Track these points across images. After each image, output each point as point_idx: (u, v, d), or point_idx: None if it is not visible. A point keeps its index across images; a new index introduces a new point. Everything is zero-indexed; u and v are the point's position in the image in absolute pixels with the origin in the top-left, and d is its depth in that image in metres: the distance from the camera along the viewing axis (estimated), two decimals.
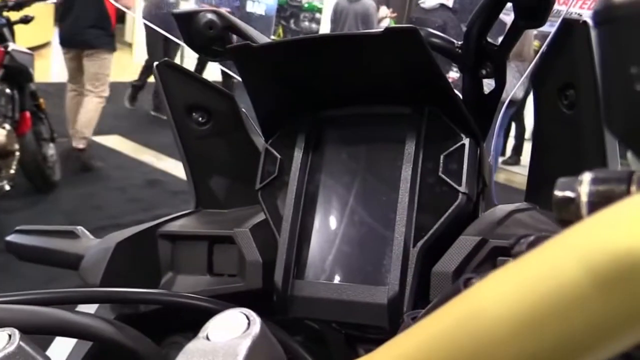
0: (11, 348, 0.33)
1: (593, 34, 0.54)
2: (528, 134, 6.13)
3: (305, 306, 0.57)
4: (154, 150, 5.30)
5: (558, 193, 0.29)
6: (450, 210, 0.54)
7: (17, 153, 3.64)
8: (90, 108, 4.50)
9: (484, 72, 0.66)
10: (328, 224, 0.59)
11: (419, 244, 0.54)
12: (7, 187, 3.45)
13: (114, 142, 5.49)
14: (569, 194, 0.29)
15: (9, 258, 0.76)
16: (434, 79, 0.54)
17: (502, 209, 0.60)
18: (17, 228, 0.75)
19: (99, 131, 5.57)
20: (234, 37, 0.73)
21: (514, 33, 0.64)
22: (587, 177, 0.29)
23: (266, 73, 0.60)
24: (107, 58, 4.52)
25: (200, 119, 0.72)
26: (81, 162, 4.51)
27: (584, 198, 0.28)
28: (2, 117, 3.54)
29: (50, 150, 4.16)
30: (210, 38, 0.71)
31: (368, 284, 0.55)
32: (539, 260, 0.21)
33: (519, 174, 5.56)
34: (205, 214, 0.73)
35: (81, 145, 4.49)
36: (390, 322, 0.53)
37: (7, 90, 3.64)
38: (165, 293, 0.57)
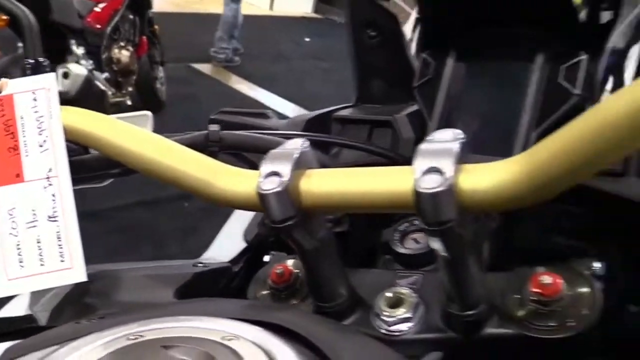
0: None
1: None
2: None
3: None
4: (246, 80, 5.70)
5: None
6: (565, 106, 0.77)
7: (135, 74, 4.09)
8: None
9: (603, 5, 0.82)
10: (468, 111, 0.83)
11: (539, 129, 0.78)
12: (129, 102, 3.90)
13: (208, 69, 5.93)
14: None
15: None
16: (568, 7, 0.76)
17: None
18: (220, 110, 0.93)
19: (195, 60, 6.01)
20: None
21: None
22: None
23: None
24: None
25: (371, 33, 0.95)
26: None
27: None
28: (126, 40, 3.97)
29: (160, 72, 4.61)
30: None
31: (497, 155, 0.72)
32: None
33: None
34: (364, 107, 0.99)
35: None
36: None
37: (131, 16, 4.06)
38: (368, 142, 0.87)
